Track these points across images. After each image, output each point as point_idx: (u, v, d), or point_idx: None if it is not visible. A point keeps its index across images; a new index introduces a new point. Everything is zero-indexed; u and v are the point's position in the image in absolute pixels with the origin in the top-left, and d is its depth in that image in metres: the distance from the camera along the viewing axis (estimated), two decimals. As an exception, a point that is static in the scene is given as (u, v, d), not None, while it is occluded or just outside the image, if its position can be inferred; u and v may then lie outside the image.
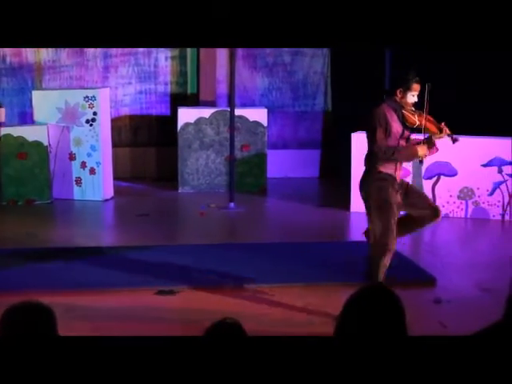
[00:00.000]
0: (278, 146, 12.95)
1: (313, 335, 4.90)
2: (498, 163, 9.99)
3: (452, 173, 10.07)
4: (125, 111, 12.81)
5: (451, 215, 10.13)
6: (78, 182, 11.16)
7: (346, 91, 12.38)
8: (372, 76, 11.34)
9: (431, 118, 6.66)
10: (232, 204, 10.70)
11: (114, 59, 12.63)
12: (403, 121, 6.58)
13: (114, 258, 8.13)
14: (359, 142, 10.05)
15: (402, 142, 6.61)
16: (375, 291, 3.45)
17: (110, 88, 11.90)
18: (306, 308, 6.81)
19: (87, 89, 11.70)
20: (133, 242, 8.87)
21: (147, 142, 12.89)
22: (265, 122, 11.96)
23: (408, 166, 9.78)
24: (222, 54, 12.62)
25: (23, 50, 12.28)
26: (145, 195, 11.66)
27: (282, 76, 12.96)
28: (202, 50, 12.61)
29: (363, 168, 6.75)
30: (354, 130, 10.29)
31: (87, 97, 11.04)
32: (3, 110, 11.26)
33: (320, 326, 6.21)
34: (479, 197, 10.11)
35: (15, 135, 10.82)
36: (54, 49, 12.37)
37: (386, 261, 6.60)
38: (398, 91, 6.56)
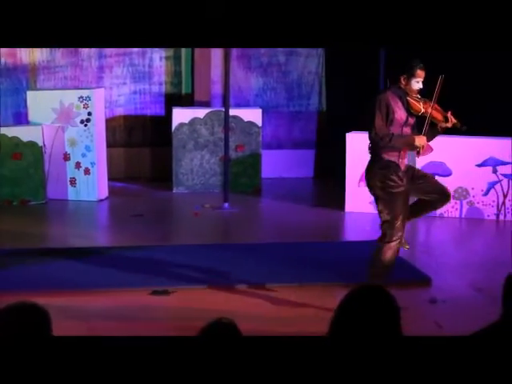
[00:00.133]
0: (273, 146, 12.94)
1: (307, 335, 4.90)
2: (492, 163, 9.99)
3: (446, 173, 10.06)
4: (119, 111, 12.79)
5: (446, 215, 10.13)
6: (73, 182, 11.14)
7: (341, 91, 12.38)
8: (366, 76, 11.33)
9: (438, 107, 6.51)
10: (226, 204, 10.69)
11: (109, 59, 12.62)
12: (408, 108, 6.45)
13: (109, 259, 8.12)
14: (354, 142, 10.06)
15: (406, 130, 6.48)
16: (370, 291, 3.45)
17: (104, 88, 11.88)
18: (300, 308, 6.80)
19: (82, 89, 11.68)
20: (127, 243, 8.86)
21: (142, 143, 12.87)
22: (259, 122, 11.95)
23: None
24: (216, 54, 12.61)
25: (18, 50, 12.25)
26: (139, 195, 11.64)
27: (277, 76, 12.96)
28: (197, 50, 12.61)
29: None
30: (349, 130, 10.29)
31: (82, 97, 11.02)
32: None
33: (315, 326, 6.19)
34: (474, 197, 10.12)
35: (10, 135, 10.79)
36: (48, 49, 12.34)
37: (389, 255, 6.52)
38: (402, 78, 6.41)
